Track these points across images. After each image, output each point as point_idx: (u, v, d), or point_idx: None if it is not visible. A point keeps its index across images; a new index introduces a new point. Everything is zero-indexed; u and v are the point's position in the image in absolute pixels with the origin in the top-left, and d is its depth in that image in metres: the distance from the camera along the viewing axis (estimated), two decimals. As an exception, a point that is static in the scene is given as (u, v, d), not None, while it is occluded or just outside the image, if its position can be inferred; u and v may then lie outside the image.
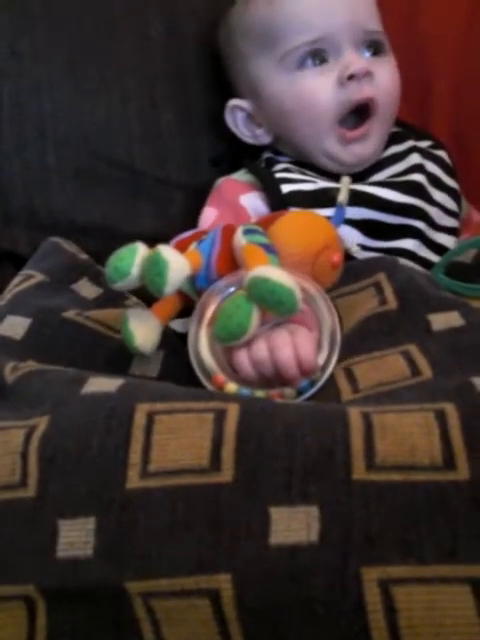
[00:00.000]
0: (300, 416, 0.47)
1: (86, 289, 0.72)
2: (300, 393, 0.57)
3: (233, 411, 0.47)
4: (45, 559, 0.43)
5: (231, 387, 0.57)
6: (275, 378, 0.58)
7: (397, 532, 0.41)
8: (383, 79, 0.85)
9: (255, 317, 0.56)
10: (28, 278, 0.71)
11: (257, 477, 0.43)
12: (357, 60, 0.83)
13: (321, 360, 0.58)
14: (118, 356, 0.62)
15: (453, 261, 0.73)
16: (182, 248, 0.61)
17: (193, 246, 0.64)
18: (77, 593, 0.43)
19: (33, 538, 0.44)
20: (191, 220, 0.85)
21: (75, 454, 0.46)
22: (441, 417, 0.45)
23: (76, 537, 0.43)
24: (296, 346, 0.57)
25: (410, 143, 0.90)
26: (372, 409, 0.47)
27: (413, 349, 0.58)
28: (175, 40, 0.96)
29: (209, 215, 0.85)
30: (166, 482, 0.44)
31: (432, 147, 0.92)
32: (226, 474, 0.44)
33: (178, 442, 0.45)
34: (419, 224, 0.83)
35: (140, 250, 0.58)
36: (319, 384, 0.58)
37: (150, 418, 0.47)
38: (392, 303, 0.64)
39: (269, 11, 0.85)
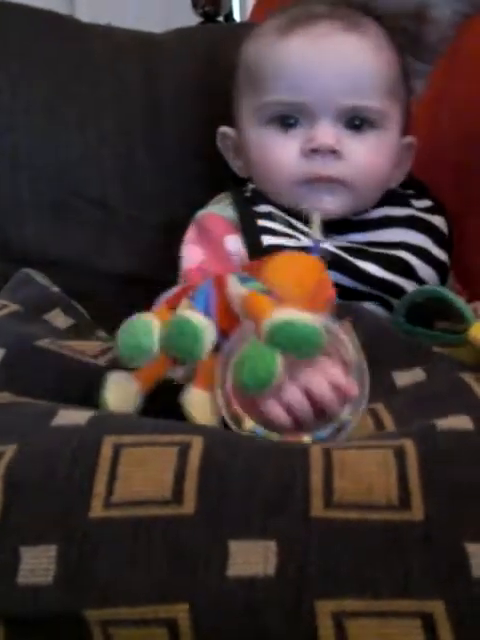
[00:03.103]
0: (262, 451, 0.48)
1: (59, 320, 0.73)
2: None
3: (197, 444, 0.48)
4: (6, 585, 0.43)
5: (248, 423, 0.56)
6: (309, 420, 0.56)
7: (352, 568, 0.42)
8: (356, 157, 0.79)
9: (280, 362, 0.54)
10: (2, 308, 0.71)
11: (218, 510, 0.44)
12: (324, 134, 0.78)
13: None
14: (92, 385, 0.62)
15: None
16: (172, 306, 0.60)
17: (186, 303, 0.62)
18: (37, 620, 0.43)
19: None
20: (162, 257, 0.86)
21: (40, 482, 0.46)
22: (400, 455, 0.46)
23: (37, 564, 0.44)
24: (328, 377, 0.56)
25: (409, 211, 0.85)
26: (333, 445, 0.48)
27: (380, 408, 0.59)
28: (151, 83, 0.99)
29: (195, 254, 0.81)
30: (129, 512, 0.44)
31: (430, 210, 0.86)
32: (188, 506, 0.44)
33: (142, 474, 0.46)
34: (394, 300, 0.80)
35: (154, 323, 0.58)
36: (350, 426, 0.55)
37: (116, 450, 0.47)
38: None
39: (264, 54, 0.81)
